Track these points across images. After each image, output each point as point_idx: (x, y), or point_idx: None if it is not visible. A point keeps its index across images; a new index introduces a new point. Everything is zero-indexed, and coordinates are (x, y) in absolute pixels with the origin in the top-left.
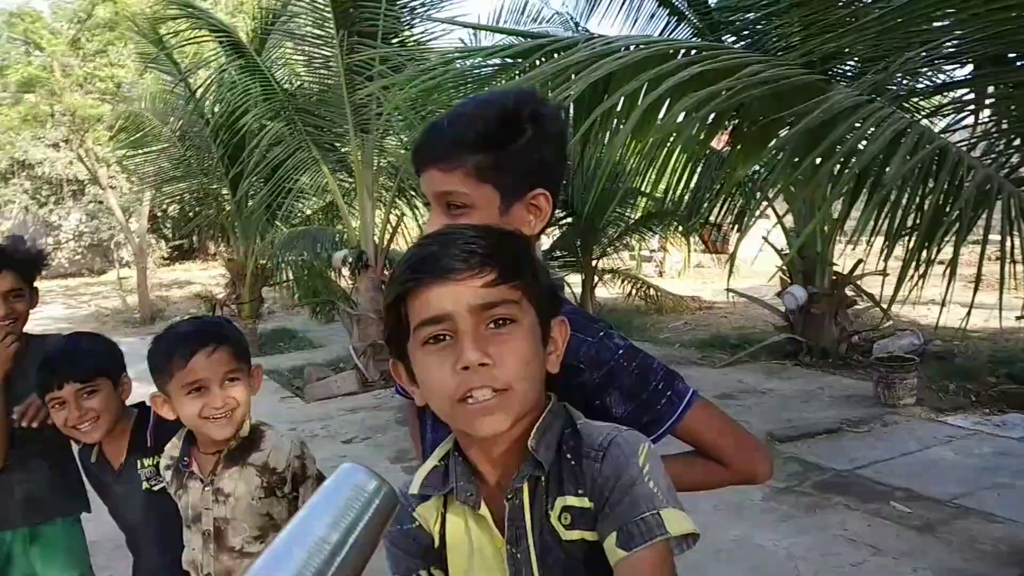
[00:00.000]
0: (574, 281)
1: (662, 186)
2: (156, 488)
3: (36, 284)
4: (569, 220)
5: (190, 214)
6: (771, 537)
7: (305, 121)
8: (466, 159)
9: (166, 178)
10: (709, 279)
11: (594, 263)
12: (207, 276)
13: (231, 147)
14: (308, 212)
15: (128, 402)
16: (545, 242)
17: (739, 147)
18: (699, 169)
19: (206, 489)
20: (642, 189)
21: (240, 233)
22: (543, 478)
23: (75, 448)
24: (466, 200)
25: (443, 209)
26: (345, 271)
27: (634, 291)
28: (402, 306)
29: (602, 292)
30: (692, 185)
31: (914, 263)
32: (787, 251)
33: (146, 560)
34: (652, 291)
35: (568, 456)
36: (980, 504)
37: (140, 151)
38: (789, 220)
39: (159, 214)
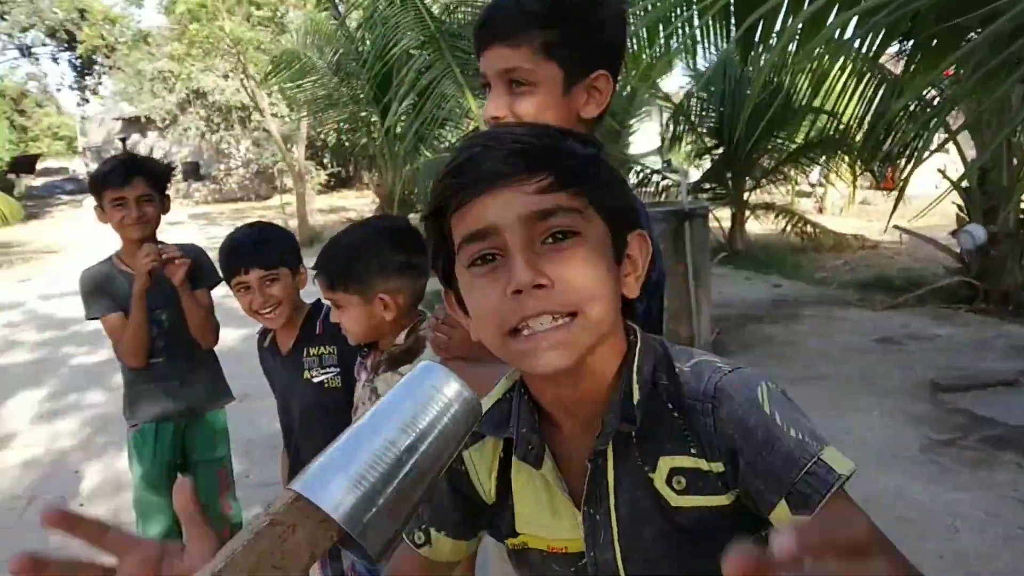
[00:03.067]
0: (723, 215)
1: (826, 109)
2: (315, 379)
3: (168, 193)
4: (720, 149)
5: (345, 143)
6: (927, 490)
7: (452, 46)
8: (534, 34)
9: (321, 107)
10: (875, 216)
11: (746, 196)
12: (361, 203)
13: (380, 76)
14: (453, 140)
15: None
16: (694, 173)
17: (913, 64)
18: (869, 92)
19: (367, 384)
20: (805, 108)
21: (388, 160)
22: (632, 435)
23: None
24: (531, 77)
25: (506, 88)
26: None
27: (790, 227)
28: (444, 220)
29: (754, 227)
30: (861, 110)
31: None
32: (965, 184)
33: (300, 447)
34: (809, 227)
35: (669, 406)
36: None
37: (297, 82)
38: (972, 152)
39: (317, 143)
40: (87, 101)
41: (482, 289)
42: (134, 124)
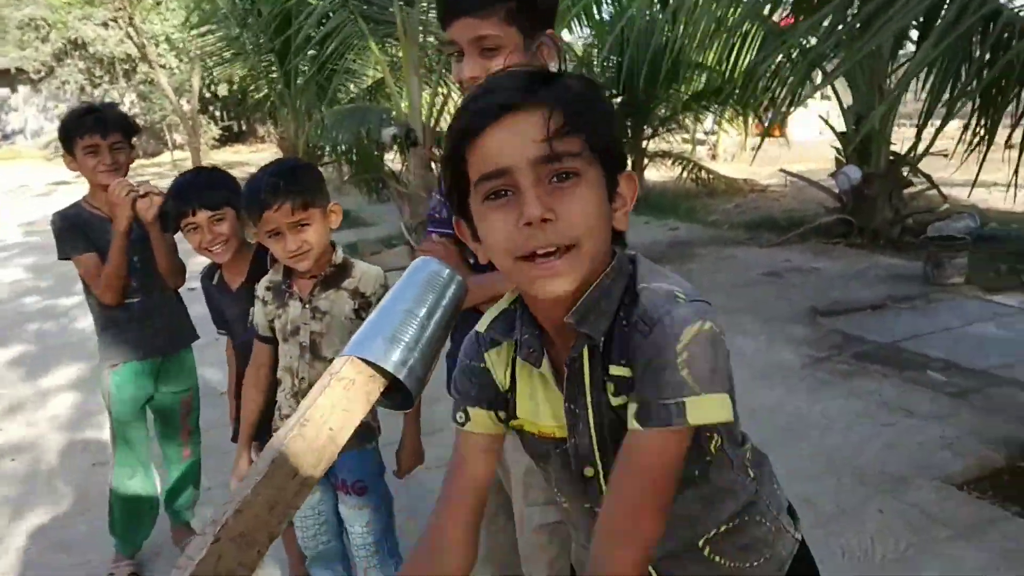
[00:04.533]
0: None
1: (716, 63)
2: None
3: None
4: (618, 99)
5: (239, 95)
6: (805, 401)
7: None
8: (499, 5)
9: (220, 58)
10: (764, 163)
11: (644, 144)
12: (258, 157)
13: (279, 22)
14: (356, 91)
15: None
16: None
17: (800, 17)
18: (756, 44)
19: (305, 307)
20: (699, 62)
21: (290, 113)
22: (599, 345)
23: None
24: (499, 42)
25: (477, 53)
26: (394, 149)
27: (685, 174)
28: (460, 160)
29: (652, 175)
30: (748, 61)
31: (973, 138)
32: (843, 129)
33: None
34: (704, 174)
35: (624, 323)
36: (1017, 375)
37: (193, 31)
38: (849, 99)
39: (209, 95)
40: None
41: (496, 220)
42: (3, 76)
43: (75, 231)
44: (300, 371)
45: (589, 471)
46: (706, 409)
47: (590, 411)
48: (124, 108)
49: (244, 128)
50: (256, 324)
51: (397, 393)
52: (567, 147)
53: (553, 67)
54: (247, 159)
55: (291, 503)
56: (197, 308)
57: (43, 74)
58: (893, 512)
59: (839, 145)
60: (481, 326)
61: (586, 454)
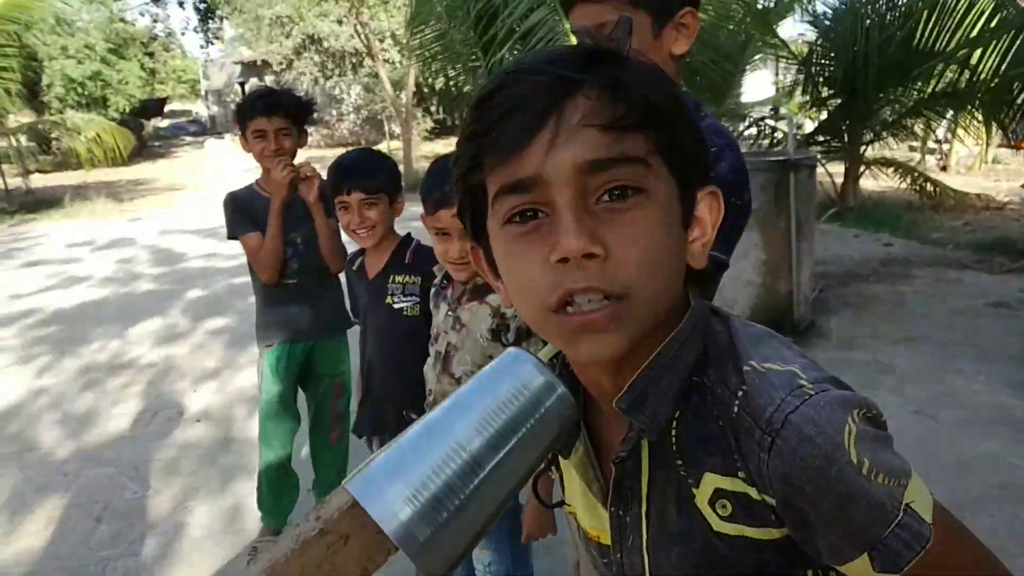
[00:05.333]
0: (836, 170)
1: (958, 57)
2: (396, 305)
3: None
4: (837, 100)
5: (452, 89)
6: None
7: None
8: None
9: (432, 52)
10: (1004, 177)
11: (863, 150)
12: None
13: (486, 19)
14: None
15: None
16: (808, 125)
17: None
18: (1006, 40)
19: (449, 314)
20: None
21: None
22: (673, 437)
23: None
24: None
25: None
26: None
27: (909, 184)
28: (476, 166)
29: (869, 184)
30: (996, 60)
31: None
32: None
33: (372, 371)
34: (929, 185)
35: (714, 412)
36: None
37: (413, 27)
38: None
39: (425, 90)
40: (211, 43)
41: (520, 253)
42: (252, 68)
43: (242, 212)
44: (430, 381)
45: None
46: (924, 497)
47: (644, 523)
48: (350, 99)
49: (456, 122)
50: None
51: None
52: (628, 148)
53: (680, 48)
54: (445, 154)
55: None
56: None
57: (284, 66)
58: None
59: None
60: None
61: (637, 574)
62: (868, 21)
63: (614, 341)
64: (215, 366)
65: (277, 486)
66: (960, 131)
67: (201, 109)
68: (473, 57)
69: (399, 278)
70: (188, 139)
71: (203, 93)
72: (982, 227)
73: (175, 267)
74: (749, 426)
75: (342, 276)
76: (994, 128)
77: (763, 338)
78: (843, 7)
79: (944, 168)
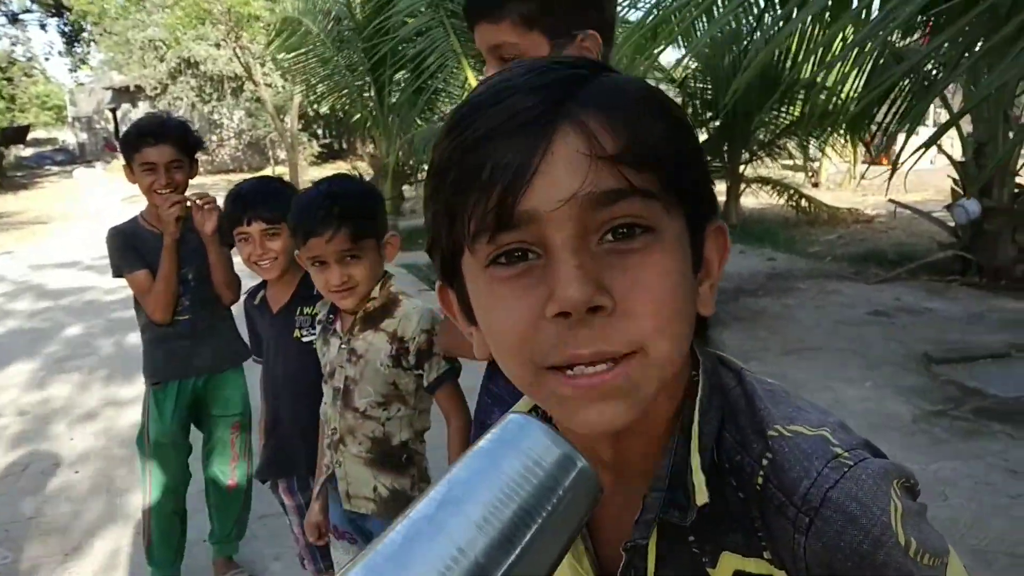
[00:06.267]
0: (719, 189)
1: (826, 84)
2: (305, 339)
3: (196, 157)
4: (716, 122)
5: (339, 113)
6: (919, 460)
7: (449, 12)
8: (512, 7)
9: (317, 77)
10: (871, 191)
11: (742, 169)
12: None
13: (375, 44)
14: (447, 110)
15: None
16: None
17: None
18: (868, 65)
19: (342, 347)
20: (805, 80)
21: (382, 131)
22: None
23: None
24: (516, 51)
25: (497, 63)
26: None
27: (785, 201)
28: (453, 197)
29: (749, 201)
30: (859, 83)
31: None
32: (961, 159)
33: (278, 412)
34: (805, 201)
35: (733, 482)
36: None
37: (292, 53)
38: (969, 126)
39: (311, 113)
40: (78, 68)
41: (507, 301)
42: (124, 94)
43: (128, 248)
44: (332, 420)
45: None
46: (959, 569)
47: None
48: (232, 124)
49: (345, 146)
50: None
51: None
52: (635, 180)
53: None
54: (306, 188)
55: None
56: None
57: (159, 91)
58: None
59: (955, 175)
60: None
61: None
62: (737, 47)
63: (624, 410)
64: (94, 408)
65: (169, 534)
66: (829, 149)
67: (68, 137)
68: (358, 81)
69: (308, 309)
70: (55, 168)
71: (70, 120)
72: (854, 240)
73: (48, 304)
74: (780, 503)
75: (235, 308)
76: (859, 146)
77: (780, 395)
78: (719, 34)
79: (816, 185)
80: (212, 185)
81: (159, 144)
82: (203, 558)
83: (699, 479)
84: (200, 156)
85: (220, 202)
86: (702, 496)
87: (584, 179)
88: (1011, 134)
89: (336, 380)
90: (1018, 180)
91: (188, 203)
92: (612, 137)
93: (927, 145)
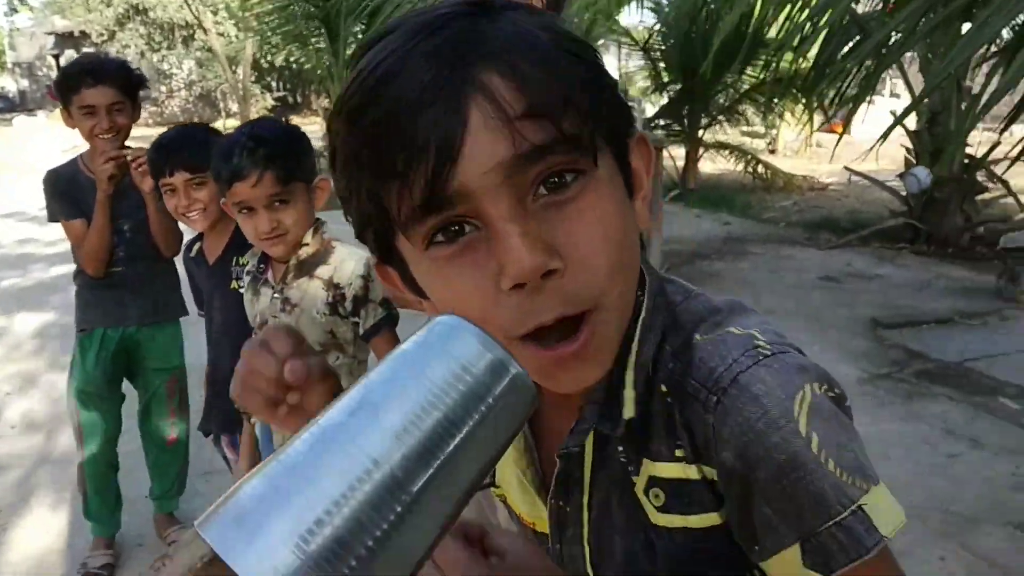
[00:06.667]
0: (678, 154)
1: (774, 49)
2: (242, 289)
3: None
4: (677, 85)
5: (293, 65)
6: (862, 421)
7: None
8: None
9: (272, 26)
10: (826, 159)
11: (700, 134)
12: (310, 129)
13: None
14: None
15: None
16: (649, 109)
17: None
18: (824, 32)
19: (275, 297)
20: (771, 44)
21: (336, 84)
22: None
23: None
24: None
25: None
26: None
27: (743, 167)
28: (373, 185)
29: (707, 167)
30: (817, 51)
31: None
32: (915, 127)
33: (217, 362)
34: (761, 168)
35: (663, 387)
36: None
37: None
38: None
39: (265, 65)
40: (15, 11)
41: (456, 281)
42: (68, 40)
43: (64, 195)
44: None
45: None
46: (887, 510)
47: (585, 514)
48: (182, 74)
49: (300, 100)
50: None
51: None
52: (556, 131)
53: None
54: (229, 132)
55: None
56: None
57: (105, 38)
58: (956, 559)
59: (909, 144)
60: None
61: (577, 567)
62: (704, 9)
63: (600, 366)
64: (34, 365)
65: (104, 487)
66: (787, 115)
67: (8, 83)
68: (316, 32)
69: (243, 260)
70: None
71: (9, 66)
72: (809, 207)
73: None
74: (696, 390)
75: (179, 262)
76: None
77: (720, 307)
78: None
79: (773, 151)
80: None
81: (99, 85)
82: (145, 514)
83: (629, 394)
84: (149, 107)
85: None
86: (629, 411)
87: (505, 144)
88: (963, 104)
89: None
90: (968, 150)
91: (125, 159)
92: (521, 94)
93: (893, 125)
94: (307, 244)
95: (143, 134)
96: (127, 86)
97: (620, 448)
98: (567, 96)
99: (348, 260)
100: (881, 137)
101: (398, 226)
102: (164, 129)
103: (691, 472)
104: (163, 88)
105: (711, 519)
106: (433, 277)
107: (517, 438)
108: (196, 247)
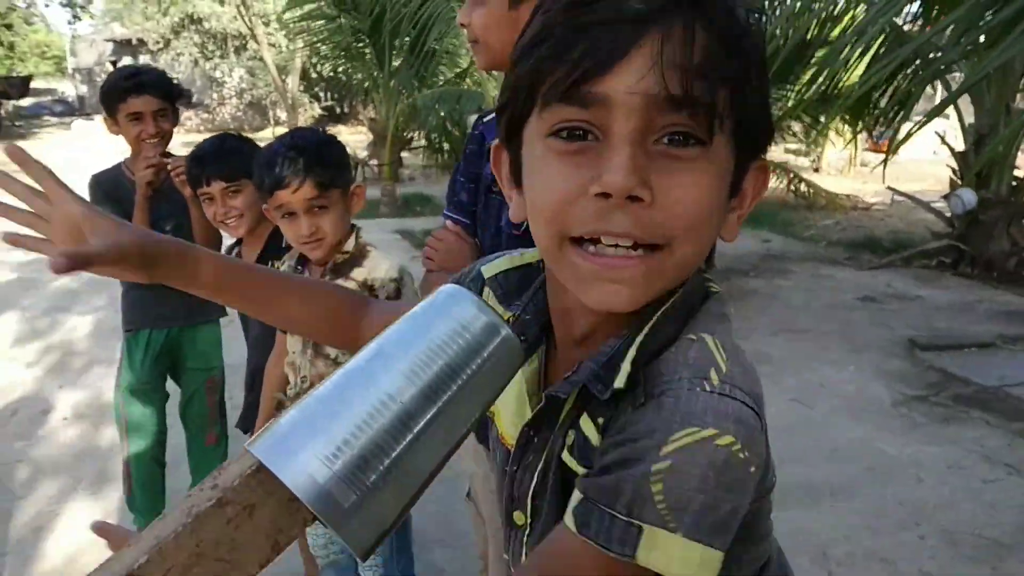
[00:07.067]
0: None
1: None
2: None
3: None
4: None
5: (341, 76)
6: (895, 443)
7: None
8: None
9: (320, 38)
10: (871, 179)
11: None
12: (354, 139)
13: (377, 5)
14: (450, 74)
15: None
16: None
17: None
18: (874, 47)
19: None
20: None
21: (383, 94)
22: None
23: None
24: None
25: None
26: None
27: (786, 185)
28: (535, 70)
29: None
30: (864, 68)
31: None
32: (962, 149)
33: (255, 369)
34: (804, 186)
35: (643, 377)
36: None
37: (298, 11)
38: (971, 117)
39: (313, 76)
40: (77, 19)
41: (557, 172)
42: (126, 47)
43: (106, 196)
44: (302, 368)
45: (519, 517)
46: (670, 556)
47: (547, 450)
48: (232, 82)
49: (347, 110)
50: None
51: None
52: (701, 95)
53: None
54: (344, 139)
55: None
56: None
57: (161, 46)
58: None
59: (955, 165)
60: (489, 270)
61: (522, 495)
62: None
63: (635, 296)
64: (84, 360)
65: (150, 481)
66: (831, 134)
67: (68, 88)
68: (360, 42)
69: (277, 264)
70: (53, 119)
71: (70, 71)
72: (852, 226)
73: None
74: (638, 381)
75: None
76: (860, 132)
77: (718, 320)
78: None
79: (817, 170)
80: None
81: (143, 94)
82: None
83: (626, 368)
84: (201, 114)
85: None
86: (621, 381)
87: (660, 82)
88: (1010, 126)
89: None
90: (1016, 172)
91: (165, 166)
92: (697, 55)
93: (921, 124)
94: (346, 251)
95: (194, 139)
96: (168, 94)
97: (589, 404)
98: (730, 79)
99: (382, 263)
100: (911, 135)
101: (539, 103)
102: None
103: (594, 440)
104: (215, 95)
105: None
106: (540, 162)
107: (536, 369)
108: (235, 252)
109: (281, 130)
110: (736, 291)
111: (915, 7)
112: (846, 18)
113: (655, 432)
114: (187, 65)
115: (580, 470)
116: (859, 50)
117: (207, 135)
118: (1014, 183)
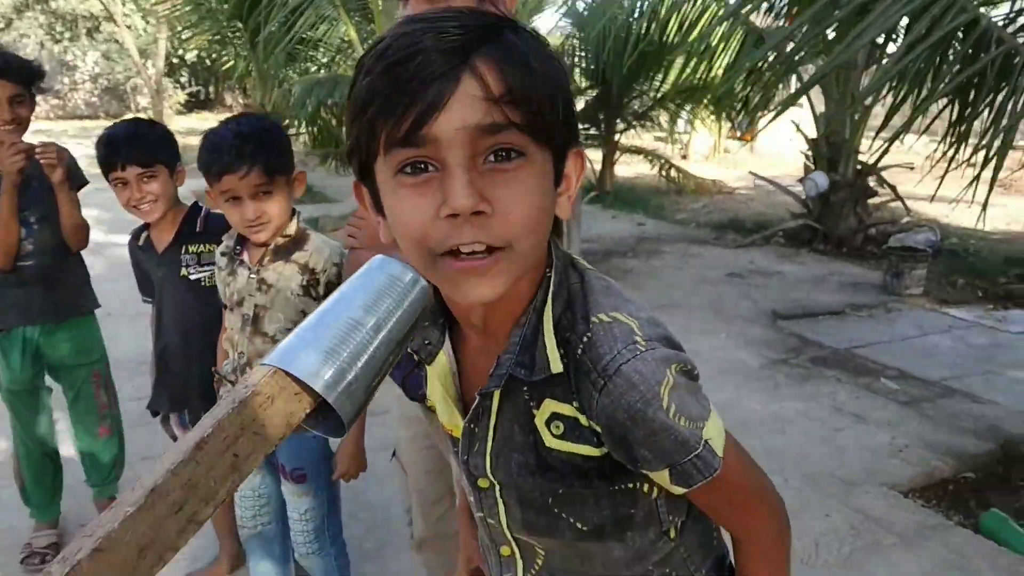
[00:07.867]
0: (594, 157)
1: (690, 61)
2: (192, 276)
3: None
4: (595, 91)
5: (208, 61)
6: (761, 400)
7: None
8: None
9: (188, 21)
10: (734, 165)
11: (616, 138)
12: None
13: None
14: (326, 61)
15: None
16: None
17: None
18: (735, 44)
19: (251, 277)
20: (675, 52)
21: (257, 80)
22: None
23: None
24: None
25: (425, 2)
26: None
27: (656, 171)
28: (375, 118)
29: (622, 170)
30: (726, 60)
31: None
32: (815, 135)
33: (168, 348)
34: (674, 172)
35: (561, 352)
36: (967, 387)
37: None
38: (822, 106)
39: (176, 60)
40: None
41: (410, 201)
42: None
43: None
44: (240, 344)
45: (483, 483)
46: (717, 432)
47: (490, 434)
48: (86, 67)
49: (212, 95)
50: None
51: (329, 416)
52: (515, 116)
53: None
54: (212, 126)
55: (171, 544)
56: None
57: (2, 26)
58: (839, 516)
59: (809, 151)
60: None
61: (479, 473)
62: (619, 18)
63: (497, 284)
64: None
65: (42, 476)
66: (697, 122)
67: None
68: (231, 27)
69: (192, 248)
70: None
71: None
72: (717, 209)
73: None
74: (588, 369)
75: (85, 254)
76: (724, 121)
77: (612, 290)
78: (595, 2)
79: (685, 156)
80: (62, 131)
81: (1, 78)
82: (86, 498)
83: (554, 355)
84: (51, 100)
85: (71, 148)
86: (556, 366)
87: (476, 115)
88: (856, 115)
89: (245, 308)
90: (861, 157)
91: (33, 150)
92: (499, 85)
93: (777, 113)
94: (288, 235)
95: (46, 126)
96: (26, 78)
97: (525, 389)
98: (534, 98)
99: (324, 248)
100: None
101: (382, 149)
102: (70, 122)
103: (581, 418)
104: (66, 81)
105: (591, 451)
106: (395, 197)
107: (444, 366)
108: (143, 236)
109: (143, 118)
110: (615, 271)
111: (779, 3)
112: (702, 21)
113: (646, 399)
114: (33, 48)
115: (581, 448)
116: (721, 46)
117: (59, 122)
118: (859, 167)
